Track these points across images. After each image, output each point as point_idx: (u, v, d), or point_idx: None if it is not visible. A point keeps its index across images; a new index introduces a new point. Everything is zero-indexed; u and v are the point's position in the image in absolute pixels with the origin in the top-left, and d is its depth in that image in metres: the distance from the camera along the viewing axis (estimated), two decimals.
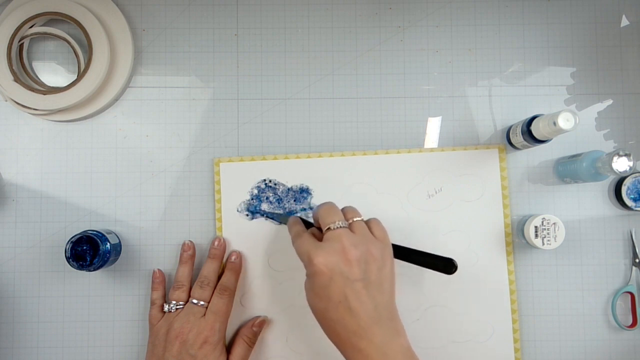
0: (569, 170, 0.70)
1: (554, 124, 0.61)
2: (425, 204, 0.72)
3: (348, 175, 0.72)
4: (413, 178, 0.72)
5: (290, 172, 0.72)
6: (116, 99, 0.73)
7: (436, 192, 0.72)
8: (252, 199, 0.71)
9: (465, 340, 0.70)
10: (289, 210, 0.71)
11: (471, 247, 0.71)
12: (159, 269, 0.70)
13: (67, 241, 0.67)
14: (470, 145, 0.73)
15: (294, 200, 0.71)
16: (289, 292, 0.71)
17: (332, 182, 0.72)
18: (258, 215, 0.71)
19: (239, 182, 0.71)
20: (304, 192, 0.71)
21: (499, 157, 0.72)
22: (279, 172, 0.72)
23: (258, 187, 0.71)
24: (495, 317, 0.70)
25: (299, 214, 0.71)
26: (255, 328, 0.69)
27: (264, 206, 0.71)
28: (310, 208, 0.71)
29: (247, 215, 0.71)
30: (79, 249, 0.67)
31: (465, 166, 0.72)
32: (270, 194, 0.71)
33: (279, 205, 0.71)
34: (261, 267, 0.71)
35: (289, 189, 0.71)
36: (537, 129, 0.65)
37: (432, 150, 0.72)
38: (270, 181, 0.71)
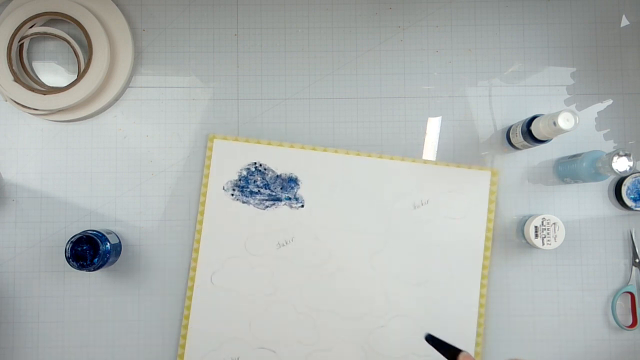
0: (569, 170, 0.70)
1: (554, 124, 0.61)
2: (409, 214, 0.71)
3: (339, 173, 0.72)
4: (402, 186, 0.72)
5: (282, 159, 0.72)
6: (116, 99, 0.73)
7: (422, 204, 0.71)
8: (240, 180, 0.71)
9: (425, 354, 0.70)
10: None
11: (447, 264, 0.71)
12: None
13: (67, 241, 0.67)
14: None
15: (281, 188, 0.71)
16: (260, 277, 0.71)
17: (321, 177, 0.72)
18: (247, 198, 0.71)
19: (230, 161, 0.72)
20: (292, 181, 0.71)
21: (491, 180, 0.72)
22: (271, 157, 0.72)
23: (247, 169, 0.71)
24: (459, 337, 0.70)
25: (283, 203, 0.71)
26: None
27: (251, 189, 0.71)
28: (296, 198, 0.71)
29: (232, 195, 0.71)
30: (79, 249, 0.67)
31: (455, 183, 0.72)
32: (259, 178, 0.71)
33: (265, 189, 0.71)
34: (237, 248, 0.71)
35: (277, 176, 0.71)
36: (537, 129, 0.65)
37: (425, 162, 0.72)
38: (260, 165, 0.71)
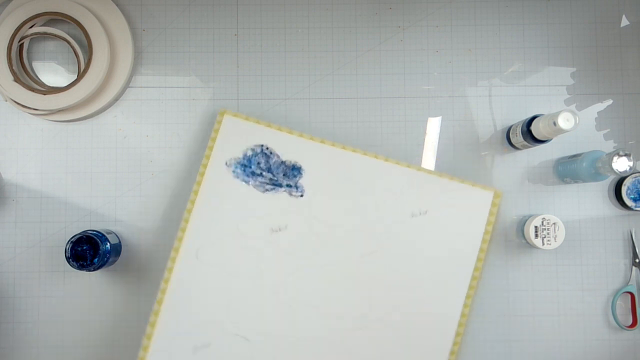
0: (569, 170, 0.70)
1: (554, 124, 0.61)
2: (406, 221, 0.70)
3: (343, 169, 0.71)
4: (404, 193, 0.71)
5: (289, 146, 0.71)
6: (116, 99, 0.73)
7: (420, 214, 0.71)
8: (244, 159, 0.70)
9: None
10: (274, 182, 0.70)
11: (435, 277, 0.70)
12: None
13: (67, 241, 0.67)
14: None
15: (283, 175, 0.70)
16: (247, 260, 0.69)
17: (326, 170, 0.71)
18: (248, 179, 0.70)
19: (237, 138, 0.71)
20: (295, 169, 0.71)
21: (492, 202, 0.71)
22: (279, 143, 0.71)
23: (253, 149, 0.70)
24: (433, 346, 0.69)
25: (283, 189, 0.70)
26: None
27: (253, 169, 0.70)
28: (297, 187, 0.70)
29: (234, 172, 0.70)
30: (79, 249, 0.67)
31: (456, 198, 0.71)
32: (262, 161, 0.70)
33: (267, 173, 0.70)
34: (229, 227, 0.70)
35: (282, 162, 0.71)
36: (537, 129, 0.65)
37: (430, 172, 0.71)
38: (267, 148, 0.71)
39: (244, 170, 0.70)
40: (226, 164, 0.70)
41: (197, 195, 0.70)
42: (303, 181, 0.71)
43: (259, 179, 0.70)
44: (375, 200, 0.71)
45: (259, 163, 0.70)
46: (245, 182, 0.70)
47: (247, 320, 0.69)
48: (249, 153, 0.70)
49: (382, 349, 0.69)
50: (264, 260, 0.70)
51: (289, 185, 0.71)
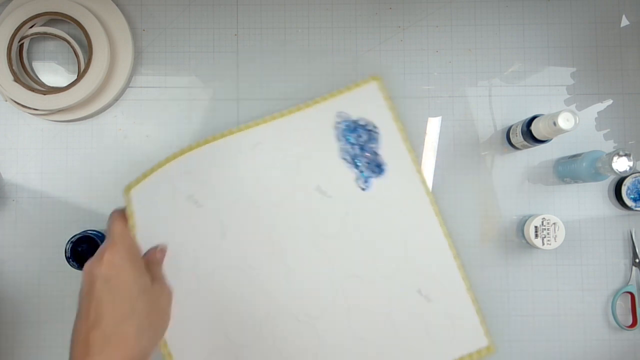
0: (569, 170, 0.70)
1: (554, 124, 0.61)
2: (407, 289, 0.68)
3: (409, 205, 0.69)
4: (431, 268, 0.69)
5: (392, 147, 0.70)
6: (116, 99, 0.73)
7: (424, 297, 0.68)
8: (354, 123, 0.69)
9: None
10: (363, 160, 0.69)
11: (391, 339, 0.68)
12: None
13: (67, 241, 0.67)
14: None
15: (367, 163, 0.69)
16: (282, 188, 0.68)
17: (397, 192, 0.69)
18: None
19: (363, 104, 0.70)
20: (380, 168, 0.69)
21: (480, 349, 0.68)
22: (388, 137, 0.70)
23: (367, 124, 0.69)
24: None
25: (355, 173, 0.68)
26: (159, 255, 0.63)
27: (353, 136, 0.69)
28: (367, 181, 0.68)
29: (338, 124, 0.69)
30: (79, 249, 0.67)
31: (459, 319, 0.68)
32: (365, 138, 0.69)
33: (357, 149, 0.69)
34: (292, 152, 0.68)
35: (376, 153, 0.69)
36: (537, 129, 0.65)
37: (464, 277, 0.69)
38: (377, 133, 0.69)
39: (345, 131, 0.69)
40: (340, 112, 0.70)
41: (293, 112, 0.70)
42: (376, 181, 0.69)
43: (348, 146, 0.69)
44: (406, 253, 0.69)
45: (360, 136, 0.69)
46: (337, 138, 0.69)
47: (239, 223, 0.66)
48: (362, 122, 0.70)
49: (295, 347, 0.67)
50: (290, 202, 0.68)
51: (362, 173, 0.69)
